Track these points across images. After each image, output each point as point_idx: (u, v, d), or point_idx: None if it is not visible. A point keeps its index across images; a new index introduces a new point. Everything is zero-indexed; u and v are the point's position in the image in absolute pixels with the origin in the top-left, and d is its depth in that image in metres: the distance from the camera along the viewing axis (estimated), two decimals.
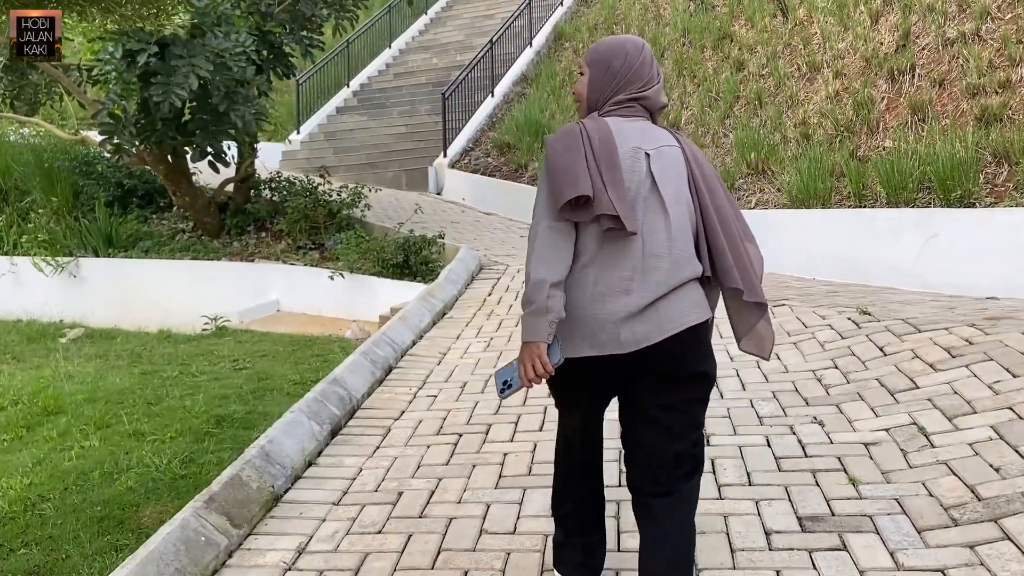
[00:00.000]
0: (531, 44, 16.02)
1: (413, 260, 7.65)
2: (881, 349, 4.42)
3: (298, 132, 15.80)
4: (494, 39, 15.15)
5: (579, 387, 2.39)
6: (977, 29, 9.56)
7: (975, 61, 9.06)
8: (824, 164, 8.99)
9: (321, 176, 9.77)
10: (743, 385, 4.28)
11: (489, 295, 6.73)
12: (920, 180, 7.89)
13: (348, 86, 16.86)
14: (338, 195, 9.58)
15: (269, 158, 15.28)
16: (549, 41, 16.34)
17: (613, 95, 2.34)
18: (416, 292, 7.12)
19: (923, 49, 9.98)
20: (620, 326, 2.19)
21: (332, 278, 7.56)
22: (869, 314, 5.04)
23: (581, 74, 2.42)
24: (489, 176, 12.88)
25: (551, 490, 2.65)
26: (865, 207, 8.21)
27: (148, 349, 6.53)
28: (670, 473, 2.29)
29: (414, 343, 5.45)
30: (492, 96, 14.86)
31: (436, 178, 13.65)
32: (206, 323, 7.52)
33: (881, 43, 10.61)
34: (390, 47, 17.95)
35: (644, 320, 2.19)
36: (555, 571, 2.64)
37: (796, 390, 4.16)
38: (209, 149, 8.32)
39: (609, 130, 2.26)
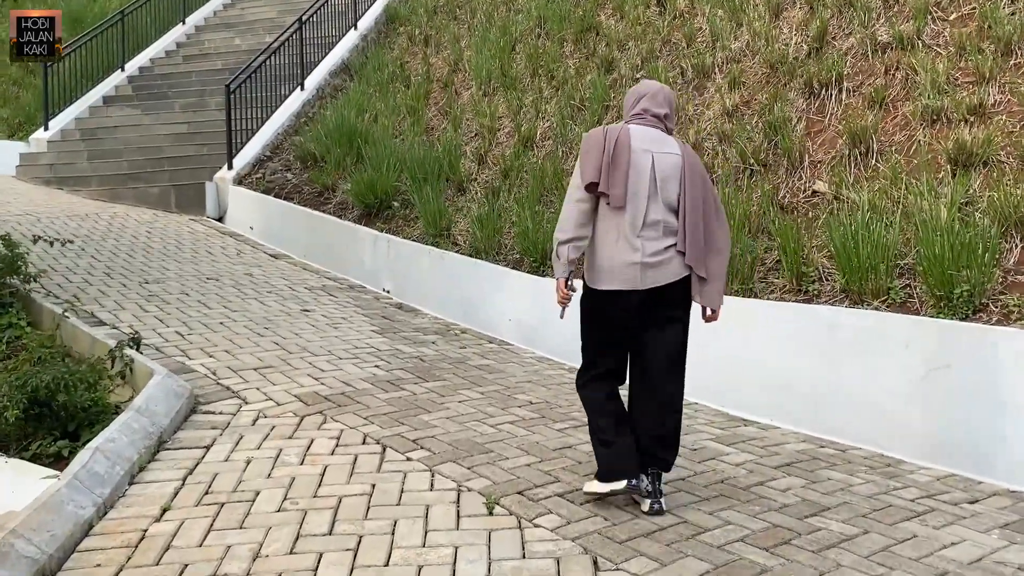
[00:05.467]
0: (356, 27, 12.32)
1: (65, 400, 3.97)
2: None
3: (46, 128, 11.39)
4: (304, 17, 11.36)
5: (608, 311, 3.19)
6: (918, 31, 6.70)
7: (928, 74, 6.19)
8: (735, 214, 5.91)
9: None
10: None
11: (161, 515, 3.17)
12: (895, 257, 4.90)
13: (124, 70, 12.57)
14: None
15: (3, 164, 10.96)
16: (379, 24, 12.67)
17: (632, 113, 3.32)
18: (45, 482, 3.47)
19: (846, 55, 7.05)
20: (637, 271, 3.11)
21: None
22: None
23: None
24: (287, 199, 9.15)
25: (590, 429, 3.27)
26: (806, 290, 5.17)
27: None
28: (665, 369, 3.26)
29: None
30: (302, 89, 11.09)
31: (217, 198, 9.75)
32: None
33: (787, 44, 7.64)
34: (184, 23, 13.70)
35: (653, 268, 3.12)
36: (609, 484, 3.17)
37: None
38: None
39: (627, 132, 3.21)
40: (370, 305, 6.84)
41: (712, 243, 3.21)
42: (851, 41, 7.14)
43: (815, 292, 5.11)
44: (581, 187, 3.15)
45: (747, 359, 4.92)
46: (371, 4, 12.63)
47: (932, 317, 4.36)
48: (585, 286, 3.25)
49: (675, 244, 3.12)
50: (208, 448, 3.77)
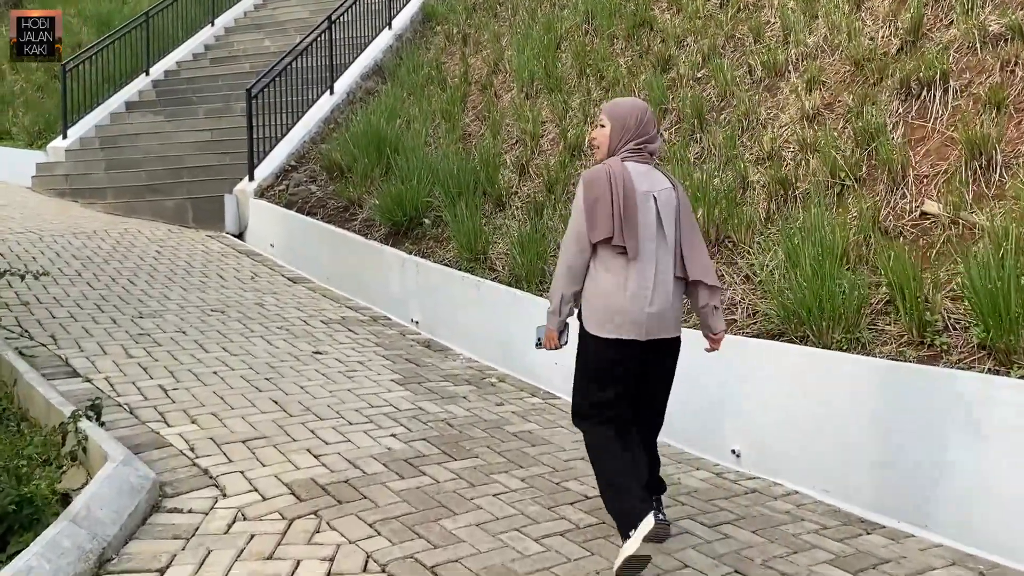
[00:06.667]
0: (390, 26, 11.37)
1: None
2: None
3: (64, 137, 10.63)
4: (333, 17, 10.43)
5: (612, 360, 2.99)
6: None
7: None
8: (834, 243, 4.78)
9: None
10: None
11: None
12: None
13: (148, 74, 11.79)
14: None
15: (20, 174, 10.23)
16: (415, 23, 11.72)
17: (627, 144, 3.04)
18: None
19: (947, 49, 5.88)
20: (644, 321, 2.94)
21: None
22: None
23: (601, 125, 3.14)
24: (310, 214, 8.21)
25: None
26: (930, 343, 4.02)
27: None
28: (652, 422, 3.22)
29: None
30: (331, 93, 10.17)
31: (237, 212, 8.86)
32: None
33: (873, 38, 6.47)
34: (213, 24, 12.90)
35: (658, 320, 2.97)
36: (631, 537, 2.76)
37: None
38: None
39: (630, 175, 2.97)
40: (394, 343, 5.84)
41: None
42: (952, 32, 5.97)
43: (942, 347, 3.96)
44: (585, 236, 2.98)
45: (861, 438, 3.80)
46: (407, 1, 11.68)
47: None
48: (583, 330, 3.06)
49: (678, 293, 3.10)
50: (162, 573, 2.80)
